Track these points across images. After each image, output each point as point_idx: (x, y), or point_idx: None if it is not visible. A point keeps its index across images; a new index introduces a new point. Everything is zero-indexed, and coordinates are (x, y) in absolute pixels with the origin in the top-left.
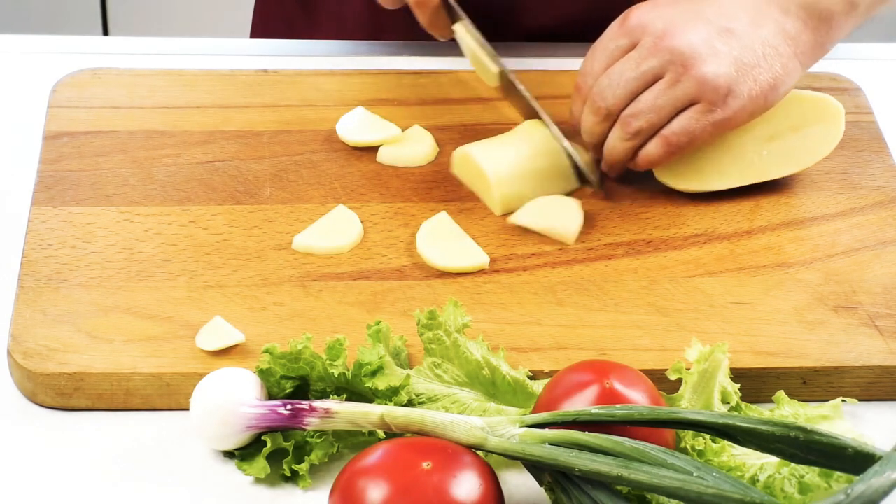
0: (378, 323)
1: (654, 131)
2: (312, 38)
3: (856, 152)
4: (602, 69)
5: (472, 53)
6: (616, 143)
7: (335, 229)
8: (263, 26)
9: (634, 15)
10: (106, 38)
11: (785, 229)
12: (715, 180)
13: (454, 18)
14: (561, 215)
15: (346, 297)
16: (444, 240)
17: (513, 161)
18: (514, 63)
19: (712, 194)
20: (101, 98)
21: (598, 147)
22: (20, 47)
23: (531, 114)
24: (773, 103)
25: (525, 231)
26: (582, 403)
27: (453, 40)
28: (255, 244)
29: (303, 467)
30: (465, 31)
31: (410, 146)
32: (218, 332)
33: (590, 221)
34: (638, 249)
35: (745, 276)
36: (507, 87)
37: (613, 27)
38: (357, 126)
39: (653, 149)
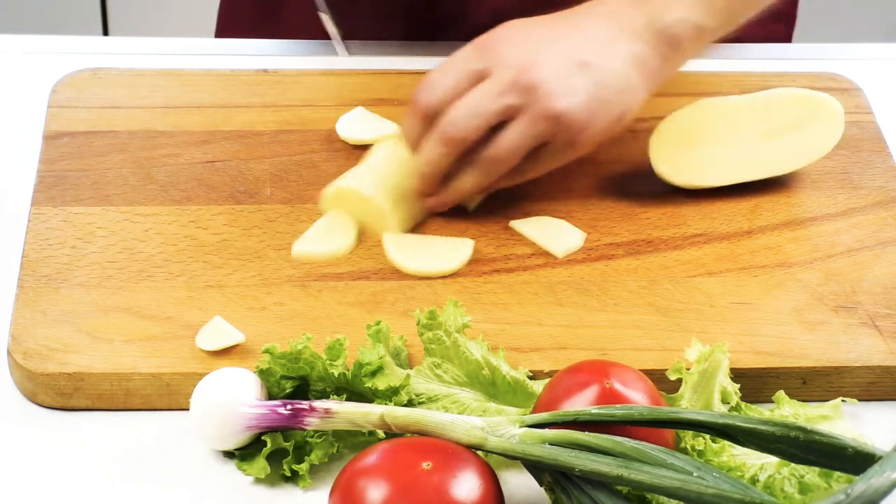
0: (378, 323)
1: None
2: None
3: (856, 152)
4: (451, 90)
5: None
6: (469, 182)
7: (332, 233)
8: (228, 29)
9: (493, 42)
10: (106, 38)
11: (785, 229)
12: (713, 175)
13: None
14: (561, 232)
15: (346, 297)
16: (413, 243)
17: (393, 182)
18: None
19: (712, 194)
20: (101, 98)
21: (434, 179)
22: (20, 47)
23: None
24: (616, 132)
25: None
26: (582, 403)
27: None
28: (255, 244)
29: (303, 467)
30: None
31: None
32: (218, 332)
33: (590, 221)
34: (638, 249)
35: (745, 276)
36: None
37: (467, 50)
38: (357, 125)
39: (510, 179)
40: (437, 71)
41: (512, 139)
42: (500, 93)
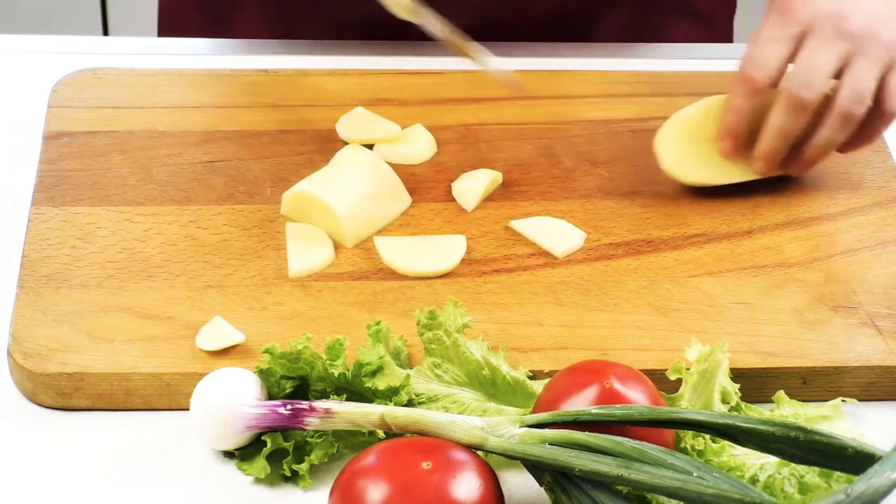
0: (378, 323)
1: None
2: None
3: (856, 152)
4: (778, 56)
5: None
6: (832, 136)
7: (312, 245)
8: (170, 29)
9: (797, 3)
10: (106, 38)
11: (785, 229)
12: (720, 174)
13: None
14: (561, 232)
15: (346, 297)
16: (405, 244)
17: (354, 190)
18: (513, 63)
19: (712, 194)
20: (101, 98)
21: (781, 152)
22: (20, 47)
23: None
24: None
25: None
26: (582, 403)
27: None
28: (255, 244)
29: (303, 467)
30: None
31: (409, 145)
32: (218, 332)
33: (590, 222)
34: (638, 249)
35: (745, 276)
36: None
37: (773, 19)
38: (357, 125)
39: (863, 131)
40: (754, 46)
41: (859, 76)
42: (830, 44)
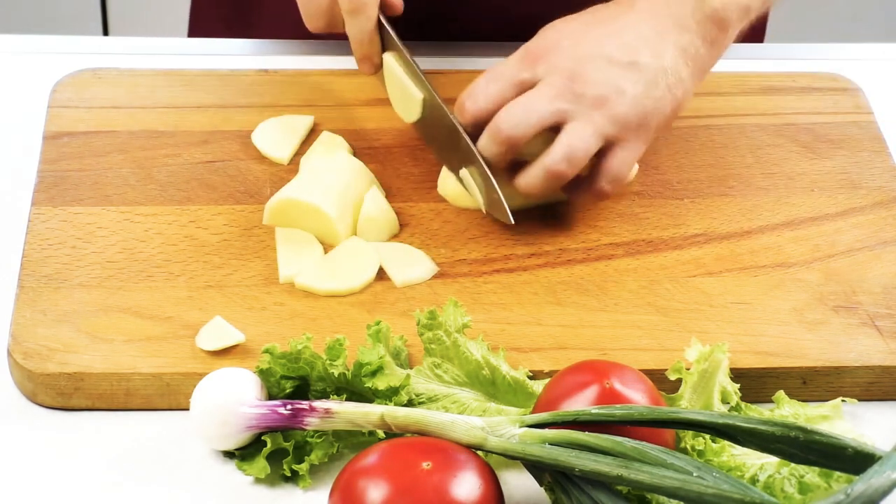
0: (378, 323)
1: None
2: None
3: (856, 152)
4: (500, 96)
5: (397, 83)
6: (535, 183)
7: (302, 251)
8: (199, 27)
9: (541, 50)
10: (106, 38)
11: (785, 229)
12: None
13: (385, 47)
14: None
15: (346, 297)
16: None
17: (340, 190)
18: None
19: (712, 194)
20: (101, 98)
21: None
22: (20, 47)
23: (451, 155)
24: (671, 124)
25: (525, 231)
26: (582, 403)
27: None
28: (255, 244)
29: (303, 467)
30: (394, 61)
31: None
32: (218, 332)
33: (590, 221)
34: (638, 249)
35: (745, 276)
36: (431, 116)
37: (515, 57)
38: (272, 135)
39: (587, 198)
40: (483, 79)
41: (574, 140)
42: (553, 97)
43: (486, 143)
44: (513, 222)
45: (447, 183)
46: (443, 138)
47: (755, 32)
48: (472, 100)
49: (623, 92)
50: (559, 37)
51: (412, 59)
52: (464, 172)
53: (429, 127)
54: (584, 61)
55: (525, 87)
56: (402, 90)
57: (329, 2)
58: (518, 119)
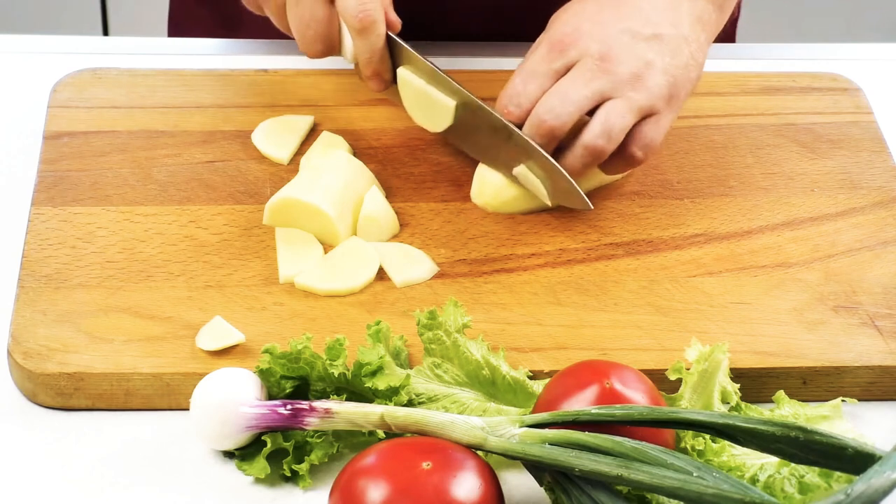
0: (378, 323)
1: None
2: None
3: (856, 152)
4: (539, 91)
5: (419, 95)
6: (574, 163)
7: (302, 251)
8: (178, 30)
9: (567, 37)
10: (106, 38)
11: (785, 229)
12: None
13: (397, 61)
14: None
15: (347, 297)
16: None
17: (339, 190)
18: (510, 63)
19: (712, 194)
20: (101, 98)
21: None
22: (20, 47)
23: (498, 154)
24: (693, 90)
25: (525, 231)
26: (582, 403)
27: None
28: (255, 244)
29: (303, 467)
30: (410, 74)
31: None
32: (218, 332)
33: (590, 221)
34: (638, 249)
35: (745, 276)
36: (467, 120)
37: (541, 51)
38: (272, 135)
39: (618, 166)
40: (519, 79)
41: (612, 116)
42: (588, 80)
43: (530, 137)
44: (591, 207)
45: (485, 191)
46: (485, 140)
47: (727, 35)
48: (516, 103)
49: (652, 65)
50: (578, 21)
51: (435, 67)
52: (519, 170)
53: (464, 132)
54: (611, 40)
55: (561, 75)
56: (427, 100)
57: (325, 26)
58: (559, 109)
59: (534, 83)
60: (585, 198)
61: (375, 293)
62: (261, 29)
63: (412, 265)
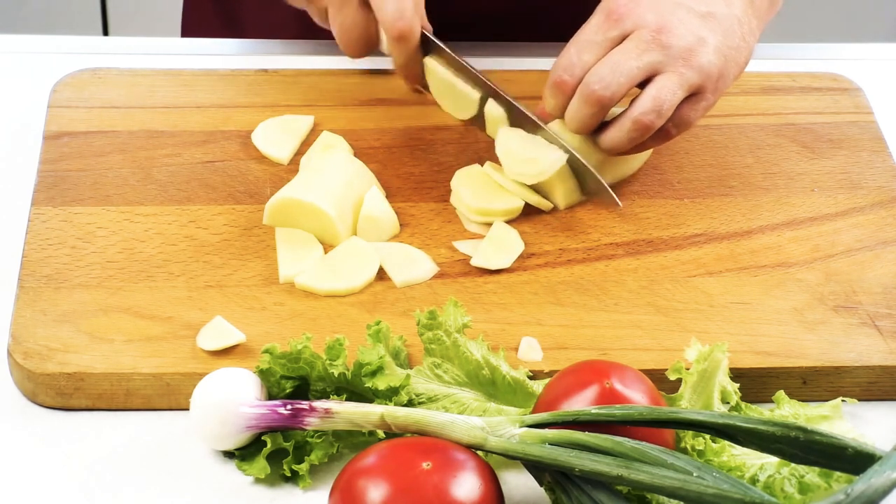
0: (378, 323)
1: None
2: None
3: (856, 152)
4: (593, 60)
5: (446, 85)
6: (621, 137)
7: (302, 251)
8: (191, 30)
9: (623, 7)
10: (106, 38)
11: (785, 229)
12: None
13: (426, 51)
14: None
15: (346, 297)
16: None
17: (340, 190)
18: (511, 63)
19: (712, 194)
20: (101, 98)
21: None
22: (20, 47)
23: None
24: (739, 76)
25: (525, 231)
26: (582, 403)
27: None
28: (255, 244)
29: (303, 467)
30: (436, 64)
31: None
32: (219, 332)
33: (590, 221)
34: (638, 249)
35: (745, 276)
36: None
37: (597, 21)
38: (272, 135)
39: (649, 141)
40: (574, 49)
41: (664, 92)
42: (642, 51)
43: (578, 106)
44: (620, 205)
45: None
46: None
47: None
48: (570, 73)
49: (706, 42)
50: None
51: (462, 59)
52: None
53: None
54: (668, 13)
55: (616, 44)
56: (453, 91)
57: (365, 30)
58: (609, 79)
59: (588, 52)
60: (615, 196)
61: (375, 293)
62: (264, 30)
63: (412, 265)
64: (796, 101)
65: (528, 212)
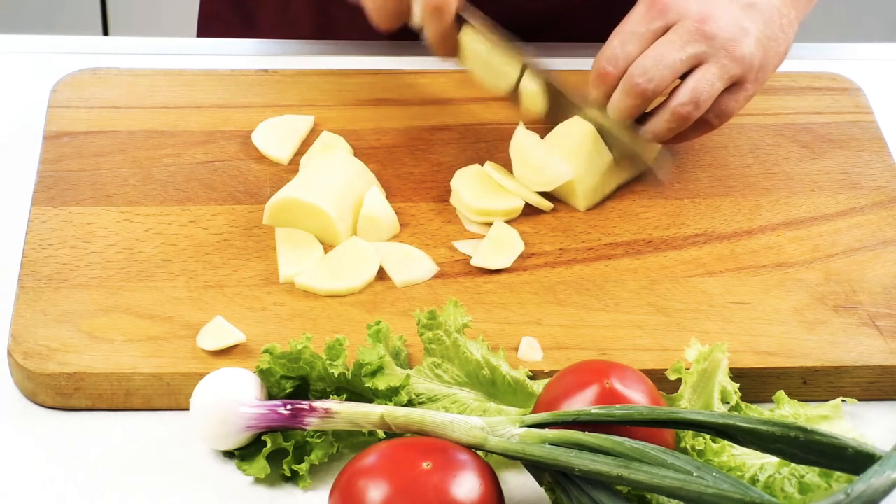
0: (378, 323)
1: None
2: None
3: (856, 152)
4: (637, 51)
5: (482, 59)
6: (660, 127)
7: (303, 250)
8: (206, 30)
9: None
10: (106, 38)
11: (785, 229)
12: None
13: (460, 24)
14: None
15: (346, 297)
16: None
17: (340, 190)
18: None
19: (712, 194)
20: (101, 98)
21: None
22: (20, 47)
23: (558, 113)
24: (779, 66)
25: (525, 231)
26: (582, 403)
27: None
28: (256, 244)
29: (303, 467)
30: (473, 38)
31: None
32: (219, 332)
33: (590, 221)
34: (638, 249)
35: (746, 276)
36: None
37: (640, 11)
38: (272, 135)
39: (690, 132)
40: (617, 40)
41: (702, 84)
42: (685, 43)
43: (621, 98)
44: (665, 181)
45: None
46: (555, 109)
47: None
48: (613, 64)
49: (748, 32)
50: None
51: (499, 32)
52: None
53: (534, 97)
54: (711, 3)
55: (659, 35)
56: (488, 64)
57: (398, 3)
58: (653, 72)
59: (632, 44)
60: (649, 159)
61: (375, 293)
62: (280, 28)
63: (412, 265)
64: (796, 101)
65: (528, 212)
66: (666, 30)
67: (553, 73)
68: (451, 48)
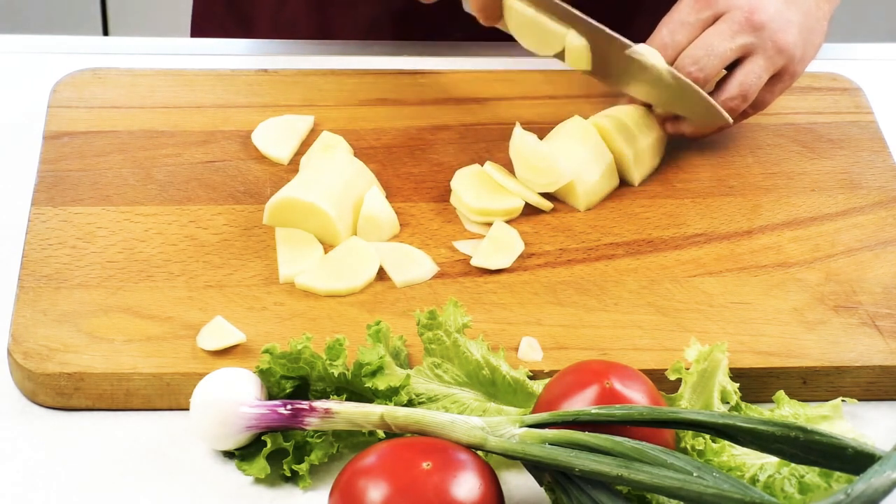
0: (378, 323)
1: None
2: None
3: (856, 152)
4: (686, 41)
5: (528, 23)
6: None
7: (302, 250)
8: (200, 30)
9: None
10: (106, 38)
11: (785, 229)
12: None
13: None
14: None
15: (347, 297)
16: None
17: (340, 190)
18: (518, 63)
19: (712, 194)
20: (101, 98)
21: (668, 119)
22: (20, 47)
23: (605, 69)
24: (814, 58)
25: (525, 231)
26: (582, 403)
27: (494, 30)
28: (255, 244)
29: (303, 467)
30: (517, 2)
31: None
32: (219, 332)
33: (590, 222)
34: (638, 249)
35: (746, 276)
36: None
37: (688, 1)
38: (272, 135)
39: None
40: (666, 30)
41: (750, 77)
42: (735, 32)
43: None
44: (731, 121)
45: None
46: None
47: None
48: (663, 54)
49: (792, 24)
50: None
51: None
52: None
53: (593, 65)
54: None
55: (709, 25)
56: (535, 28)
57: None
58: (703, 62)
59: (682, 33)
60: (721, 110)
61: (375, 293)
62: (276, 28)
63: (412, 265)
64: (796, 101)
65: (528, 212)
66: (714, 19)
67: (599, 28)
68: (494, 13)
